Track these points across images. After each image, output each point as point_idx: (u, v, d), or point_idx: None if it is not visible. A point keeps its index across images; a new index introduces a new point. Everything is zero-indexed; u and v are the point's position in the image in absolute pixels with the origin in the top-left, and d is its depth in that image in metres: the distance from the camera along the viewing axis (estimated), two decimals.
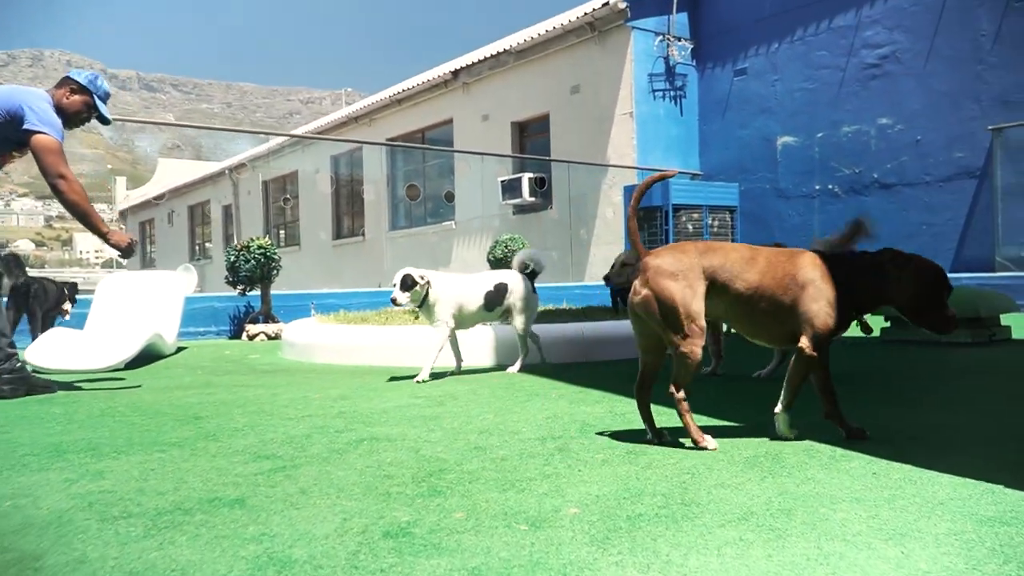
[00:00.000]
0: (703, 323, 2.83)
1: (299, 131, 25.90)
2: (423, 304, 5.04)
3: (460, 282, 5.25)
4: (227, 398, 4.41)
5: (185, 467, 2.69)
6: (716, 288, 2.88)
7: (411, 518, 2.06)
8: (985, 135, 11.08)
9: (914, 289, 2.82)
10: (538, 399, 4.11)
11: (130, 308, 7.23)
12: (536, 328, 6.27)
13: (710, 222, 12.97)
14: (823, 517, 2.03)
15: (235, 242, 9.16)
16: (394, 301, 4.86)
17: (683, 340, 2.82)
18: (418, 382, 4.86)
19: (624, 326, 6.41)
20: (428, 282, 4.98)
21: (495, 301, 5.33)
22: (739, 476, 2.45)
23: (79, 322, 7.74)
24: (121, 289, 7.61)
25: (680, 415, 2.91)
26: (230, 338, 9.34)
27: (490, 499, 2.23)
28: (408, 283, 4.91)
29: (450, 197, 18.44)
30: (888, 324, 7.02)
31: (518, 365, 5.49)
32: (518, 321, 5.45)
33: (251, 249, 8.90)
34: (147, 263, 35.52)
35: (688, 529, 1.95)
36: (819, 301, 2.82)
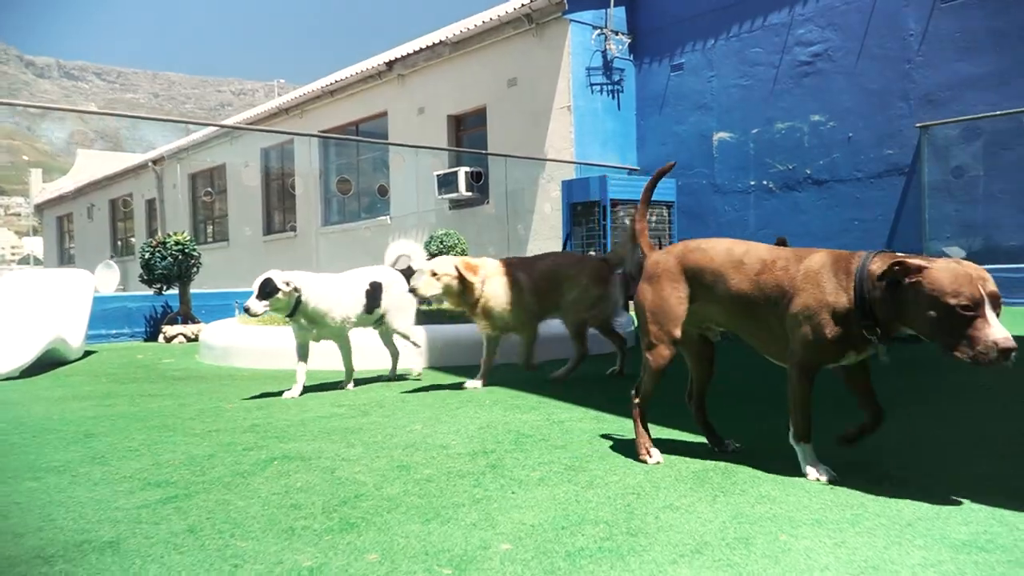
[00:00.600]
0: (673, 329, 2.58)
1: (228, 122, 25.03)
2: (295, 313, 4.30)
3: (337, 283, 4.58)
4: (128, 411, 4.01)
5: (58, 499, 2.33)
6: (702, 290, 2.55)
7: (315, 562, 1.76)
8: (913, 133, 11.20)
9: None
10: (470, 406, 3.83)
11: (29, 309, 6.69)
12: (459, 327, 5.99)
13: (649, 217, 12.86)
14: (785, 547, 1.80)
15: (151, 239, 8.61)
16: (247, 310, 4.13)
17: (645, 345, 2.60)
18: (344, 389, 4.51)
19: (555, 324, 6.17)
20: (295, 288, 4.23)
21: (373, 302, 4.71)
22: (688, 495, 2.21)
23: None
24: (21, 288, 7.05)
25: (633, 421, 2.69)
26: (145, 340, 8.81)
27: (410, 533, 1.94)
28: (267, 289, 4.15)
29: (383, 191, 17.99)
30: None
31: (394, 370, 5.12)
32: (399, 321, 4.81)
33: (167, 245, 8.39)
34: (65, 260, 33.99)
35: (636, 567, 1.70)
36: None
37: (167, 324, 8.54)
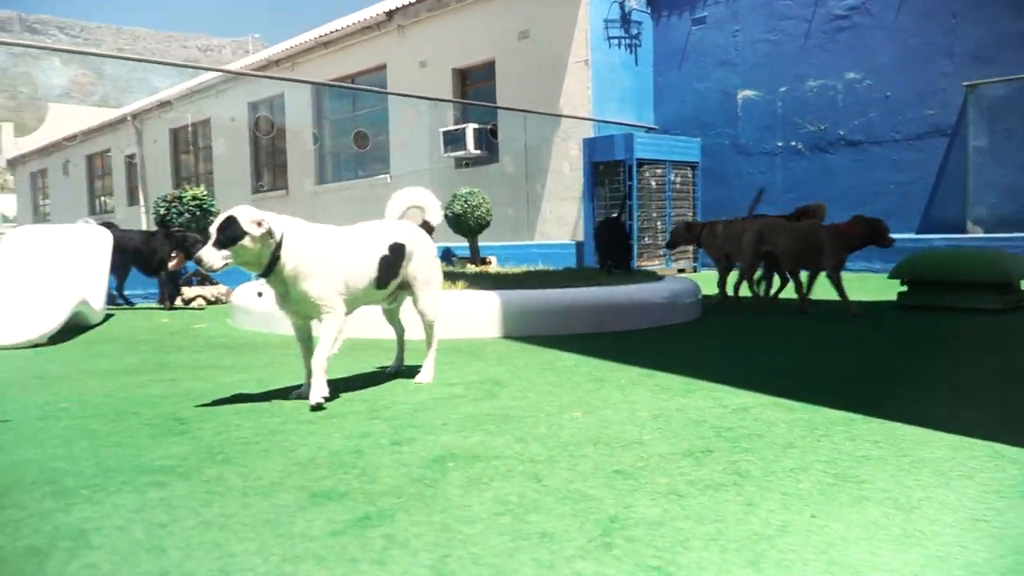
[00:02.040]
0: None
1: (201, 77, 23.86)
2: (271, 272, 2.96)
3: (338, 238, 3.16)
4: (199, 388, 3.44)
5: (211, 518, 1.78)
6: None
7: None
8: (957, 92, 10.73)
9: None
10: (607, 386, 3.31)
11: (48, 269, 6.01)
12: (535, 293, 5.45)
13: (673, 178, 12.34)
14: None
15: (166, 194, 7.92)
16: (198, 262, 2.82)
17: None
18: (313, 406, 2.95)
19: (637, 292, 5.67)
20: (271, 232, 2.88)
21: (391, 271, 3.31)
22: None
23: None
24: (33, 245, 6.36)
25: None
26: (159, 302, 8.15)
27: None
28: (229, 233, 2.82)
29: (362, 141, 17.10)
30: (906, 288, 6.50)
31: (430, 370, 3.56)
32: (424, 300, 3.48)
33: (184, 200, 7.71)
34: (40, 218, 32.75)
35: None
36: None
37: (184, 285, 7.89)
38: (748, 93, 13.04)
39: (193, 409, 2.98)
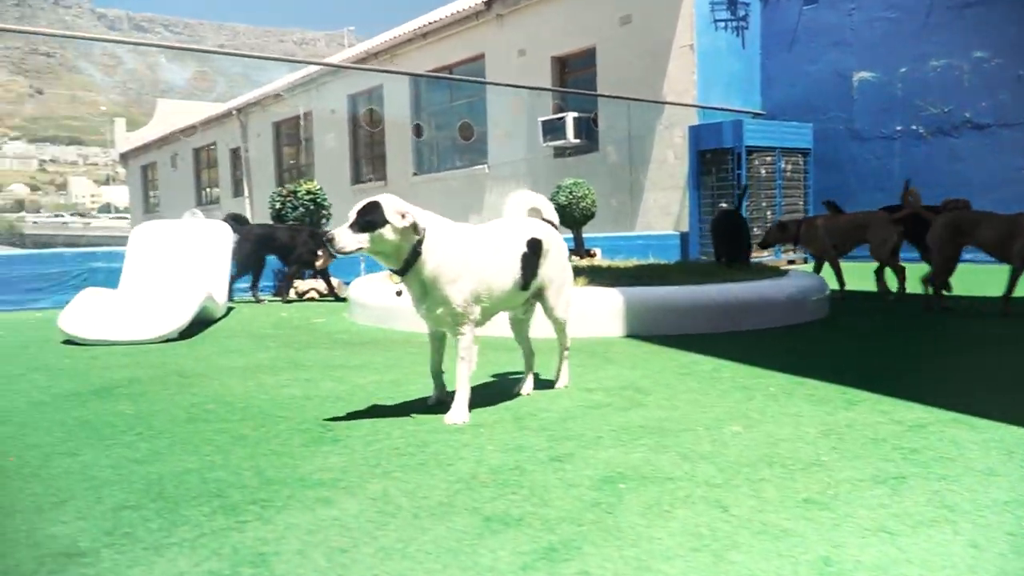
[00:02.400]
0: None
1: (301, 71, 24.36)
2: (408, 270, 2.74)
3: (482, 238, 2.93)
4: (338, 389, 3.41)
5: (389, 544, 1.70)
6: None
7: None
8: None
9: None
10: (757, 395, 3.12)
11: (173, 263, 6.18)
12: (660, 291, 5.27)
13: (783, 166, 11.87)
14: None
15: (281, 188, 8.06)
16: (330, 241, 2.60)
17: None
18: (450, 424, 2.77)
19: (766, 288, 5.42)
20: (415, 227, 2.68)
21: (532, 271, 3.04)
22: None
23: (111, 279, 6.73)
24: (158, 240, 6.55)
25: None
26: (273, 295, 8.32)
27: None
28: (370, 218, 2.63)
29: (467, 133, 17.10)
30: None
31: (567, 374, 3.41)
32: (560, 304, 3.23)
33: (298, 195, 7.82)
34: (149, 209, 34.24)
35: None
36: None
37: (297, 278, 8.01)
38: (864, 75, 12.41)
39: (337, 414, 2.94)
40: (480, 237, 2.93)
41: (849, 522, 1.79)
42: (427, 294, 2.79)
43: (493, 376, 3.63)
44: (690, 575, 1.54)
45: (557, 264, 3.19)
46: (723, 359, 3.93)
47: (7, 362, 4.31)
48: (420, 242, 2.71)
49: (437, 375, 3.06)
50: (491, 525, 1.82)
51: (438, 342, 3.02)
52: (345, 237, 2.59)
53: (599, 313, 4.95)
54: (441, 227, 2.81)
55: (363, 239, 2.61)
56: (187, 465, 2.34)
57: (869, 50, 12.32)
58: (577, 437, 2.56)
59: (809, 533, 1.73)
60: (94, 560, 1.68)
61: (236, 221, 7.44)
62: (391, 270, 2.79)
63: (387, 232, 2.63)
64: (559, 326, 3.30)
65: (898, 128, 12.01)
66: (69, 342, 4.97)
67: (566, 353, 3.40)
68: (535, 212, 3.35)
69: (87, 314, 5.14)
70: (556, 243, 3.20)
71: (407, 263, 2.72)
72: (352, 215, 2.65)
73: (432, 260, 2.74)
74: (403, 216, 2.66)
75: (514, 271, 2.95)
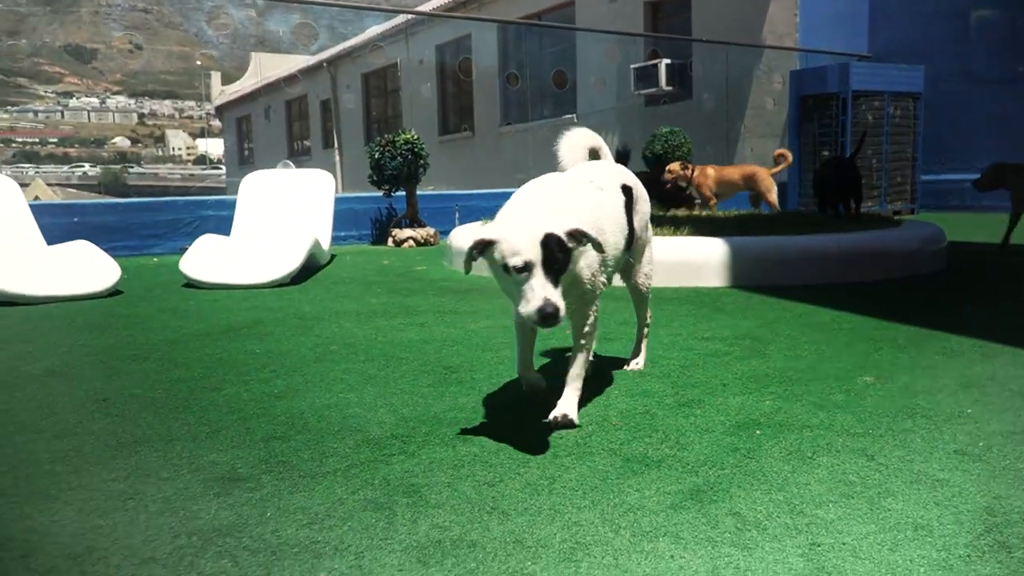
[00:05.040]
0: None
1: (389, 22, 24.40)
2: None
3: (590, 190, 2.28)
4: (454, 334, 3.47)
5: (534, 480, 1.73)
6: None
7: None
8: None
9: None
10: (885, 347, 3.02)
11: (282, 211, 6.36)
12: (770, 240, 5.14)
13: (892, 111, 11.33)
14: None
15: (379, 138, 8.15)
16: (542, 318, 1.81)
17: None
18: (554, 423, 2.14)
19: (885, 239, 5.23)
20: (589, 239, 1.96)
21: (632, 228, 2.47)
22: None
23: (221, 227, 6.97)
24: (266, 189, 6.74)
25: None
26: (372, 244, 8.49)
27: None
28: (556, 258, 1.87)
29: (561, 81, 16.87)
30: None
31: (644, 353, 2.83)
32: (646, 264, 2.68)
33: (397, 144, 7.90)
34: (244, 160, 35.21)
35: None
36: None
37: (395, 227, 8.15)
38: (984, 12, 11.68)
39: (458, 356, 3.00)
40: (591, 190, 2.28)
41: (1008, 474, 1.73)
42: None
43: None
44: (847, 521, 1.52)
45: (645, 217, 2.64)
46: (841, 310, 3.82)
47: (137, 304, 4.53)
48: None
49: (529, 370, 2.36)
50: (631, 466, 1.83)
51: (530, 330, 2.30)
52: (553, 298, 1.82)
53: (704, 263, 4.86)
54: (558, 198, 2.10)
55: (559, 292, 1.85)
56: (324, 401, 2.43)
57: None
58: (702, 384, 2.54)
59: (967, 484, 1.68)
60: (256, 485, 1.77)
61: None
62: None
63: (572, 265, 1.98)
64: (641, 295, 2.72)
65: (1021, 69, 11.29)
66: (189, 285, 5.19)
67: (646, 329, 2.84)
68: (593, 154, 2.69)
69: (205, 259, 5.35)
70: (642, 190, 2.62)
71: None
72: (531, 255, 1.84)
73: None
74: (573, 236, 1.94)
75: (624, 225, 2.37)
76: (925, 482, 1.70)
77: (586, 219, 2.04)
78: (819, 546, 1.41)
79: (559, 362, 2.79)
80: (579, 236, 1.94)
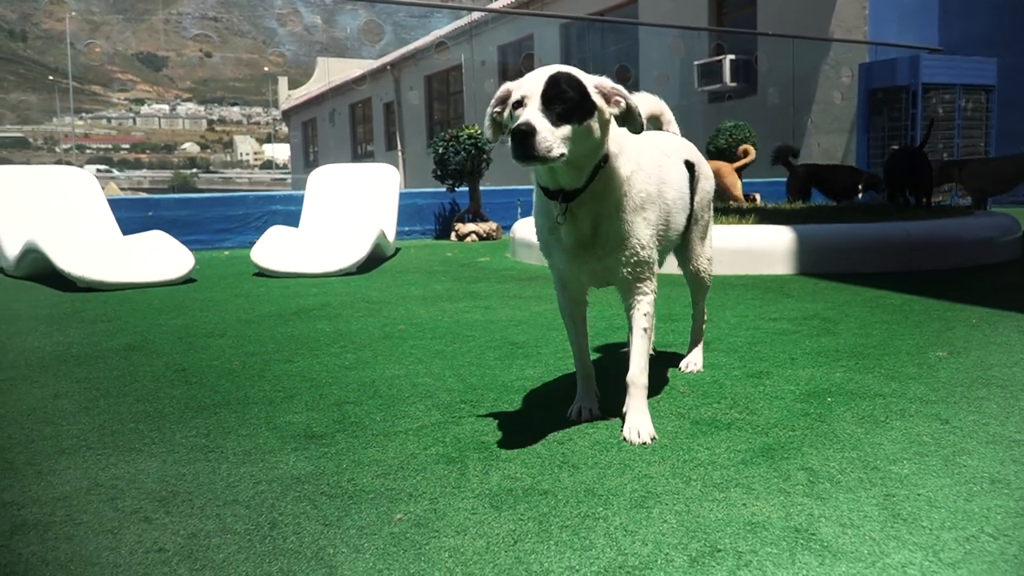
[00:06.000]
0: None
1: (452, 24, 24.67)
2: (581, 194, 1.78)
3: (654, 147, 2.00)
4: (518, 315, 3.50)
5: (602, 439, 1.75)
6: None
7: None
8: None
9: None
10: (958, 326, 2.95)
11: (348, 204, 6.50)
12: (838, 228, 5.06)
13: (964, 104, 11.00)
14: None
15: (443, 132, 8.25)
16: (524, 135, 1.55)
17: None
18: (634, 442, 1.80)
19: (957, 227, 5.09)
20: (634, 112, 1.74)
21: (690, 206, 2.18)
22: None
23: (289, 220, 7.16)
24: (333, 183, 6.89)
25: None
26: (435, 238, 8.59)
27: None
28: (567, 97, 1.63)
29: (625, 75, 16.78)
30: None
31: (699, 356, 2.47)
32: (706, 250, 2.37)
33: (461, 139, 7.98)
34: (309, 164, 35.95)
35: None
36: None
37: (458, 222, 8.24)
38: None
39: (523, 334, 3.03)
40: (654, 147, 2.00)
41: None
42: (597, 233, 1.81)
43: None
44: (921, 476, 1.50)
45: (707, 196, 2.33)
46: (910, 294, 3.74)
47: (210, 290, 4.68)
48: (611, 157, 1.77)
49: (587, 368, 2.04)
50: (700, 427, 1.83)
51: (582, 318, 2.03)
52: (541, 123, 1.58)
53: (770, 251, 4.81)
54: (632, 139, 1.83)
55: (563, 132, 1.61)
56: (394, 372, 2.49)
57: None
58: (770, 359, 2.52)
59: None
60: (331, 442, 1.83)
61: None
62: (550, 196, 1.80)
63: (592, 123, 1.68)
64: (701, 283, 2.39)
65: None
66: (260, 274, 5.34)
67: (703, 324, 2.51)
68: (655, 121, 2.38)
69: (275, 249, 5.50)
70: (706, 168, 2.34)
71: (589, 178, 1.75)
72: (531, 89, 1.64)
73: (624, 171, 1.80)
74: (618, 99, 1.72)
75: (686, 199, 2.08)
76: (1001, 442, 1.66)
77: (651, 173, 1.86)
78: (893, 496, 1.40)
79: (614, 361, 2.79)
80: (611, 93, 1.70)
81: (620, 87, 1.74)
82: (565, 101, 1.62)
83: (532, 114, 1.59)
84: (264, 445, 1.82)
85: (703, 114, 14.74)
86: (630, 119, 1.75)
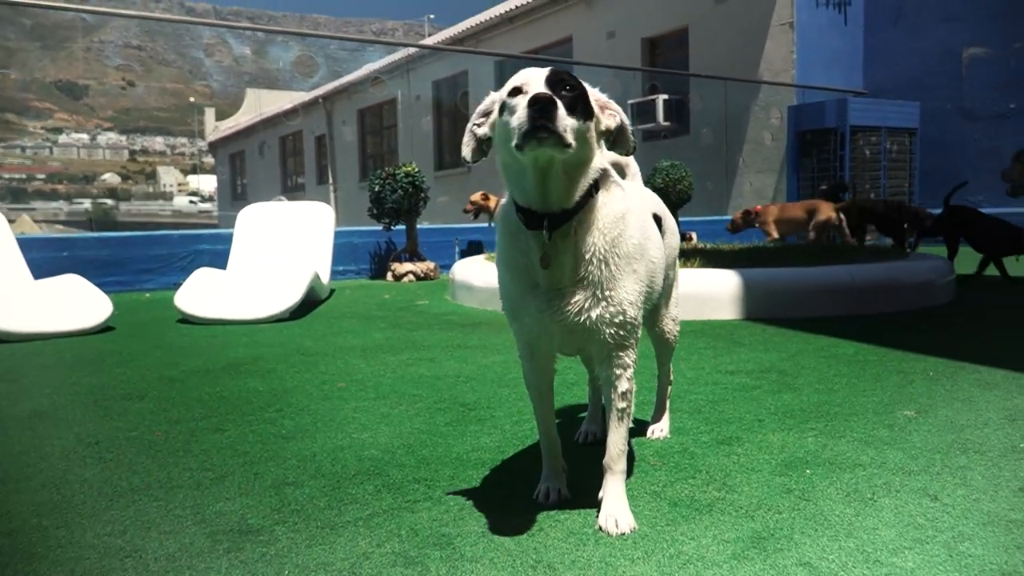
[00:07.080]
0: None
1: (385, 59, 24.54)
2: (566, 224, 1.56)
3: (637, 199, 1.81)
4: (466, 370, 3.32)
5: (576, 528, 1.58)
6: None
7: None
8: None
9: None
10: (916, 379, 2.89)
11: (280, 244, 6.23)
12: (783, 272, 5.04)
13: (889, 147, 11.34)
14: None
15: (379, 170, 8.04)
16: (548, 103, 1.40)
17: None
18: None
19: (896, 271, 5.13)
20: (625, 131, 1.65)
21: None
22: None
23: (216, 261, 6.84)
24: (263, 222, 6.62)
25: None
26: (371, 278, 8.35)
27: None
28: (575, 94, 1.49)
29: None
30: None
31: (666, 423, 2.32)
32: (673, 306, 2.22)
33: (397, 177, 7.80)
34: (237, 196, 35.15)
35: None
36: None
37: (394, 261, 8.02)
38: (976, 50, 11.77)
39: (473, 392, 2.85)
40: (637, 199, 1.79)
41: None
42: (580, 278, 1.59)
43: None
44: (927, 570, 1.37)
45: (674, 252, 2.14)
46: (862, 342, 3.70)
47: (130, 340, 4.37)
48: (601, 178, 1.60)
49: (553, 444, 1.84)
50: (680, 511, 1.68)
51: (549, 389, 1.83)
52: (563, 108, 1.43)
53: (716, 296, 4.75)
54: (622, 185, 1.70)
55: (575, 124, 1.46)
56: (336, 442, 2.28)
57: (983, 24, 11.69)
58: (736, 421, 2.40)
59: None
60: (269, 538, 1.61)
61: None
62: (531, 224, 1.57)
63: (592, 133, 1.54)
64: (667, 345, 2.24)
65: (1011, 106, 11.36)
66: (184, 321, 5.04)
67: (670, 388, 2.35)
68: (618, 170, 1.92)
69: (201, 293, 5.20)
70: (672, 223, 2.13)
71: (578, 204, 1.55)
72: (532, 77, 1.51)
73: (618, 206, 1.61)
74: (604, 110, 1.60)
75: (663, 260, 1.89)
76: (999, 524, 1.56)
77: (642, 222, 1.71)
78: None
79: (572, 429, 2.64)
80: (605, 105, 1.59)
81: (612, 102, 1.63)
82: (571, 89, 1.49)
83: (545, 91, 1.42)
84: (191, 546, 1.59)
85: (638, 152, 14.86)
86: (621, 139, 1.63)
